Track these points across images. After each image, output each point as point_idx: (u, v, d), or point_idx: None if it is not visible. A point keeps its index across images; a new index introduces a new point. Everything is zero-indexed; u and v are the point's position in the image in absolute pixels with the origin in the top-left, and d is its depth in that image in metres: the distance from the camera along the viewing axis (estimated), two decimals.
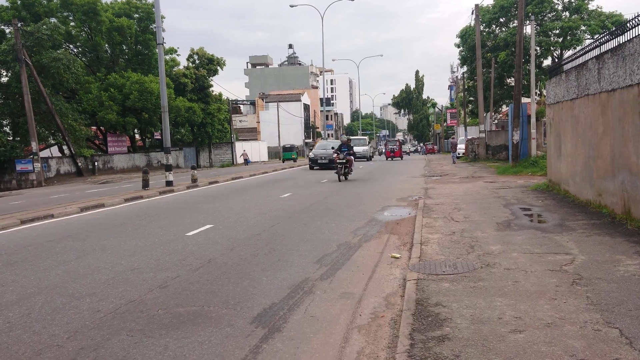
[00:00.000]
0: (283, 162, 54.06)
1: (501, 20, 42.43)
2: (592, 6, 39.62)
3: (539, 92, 37.69)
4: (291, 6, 56.41)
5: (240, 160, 57.76)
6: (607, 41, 9.75)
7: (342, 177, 22.09)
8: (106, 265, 7.64)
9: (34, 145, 31.79)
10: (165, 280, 6.68)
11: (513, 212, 10.89)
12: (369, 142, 52.01)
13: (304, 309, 5.48)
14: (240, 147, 60.90)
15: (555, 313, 4.73)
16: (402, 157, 51.58)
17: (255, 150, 65.75)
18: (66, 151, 39.18)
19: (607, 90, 9.58)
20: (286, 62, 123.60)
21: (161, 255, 8.21)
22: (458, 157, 42.88)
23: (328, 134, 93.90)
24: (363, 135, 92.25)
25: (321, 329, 4.93)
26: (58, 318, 5.39)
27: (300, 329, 4.95)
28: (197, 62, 53.45)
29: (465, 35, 43.10)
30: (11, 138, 36.77)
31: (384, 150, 73.15)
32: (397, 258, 7.70)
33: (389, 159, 50.22)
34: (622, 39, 8.94)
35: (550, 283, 5.65)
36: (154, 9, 29.93)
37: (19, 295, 6.29)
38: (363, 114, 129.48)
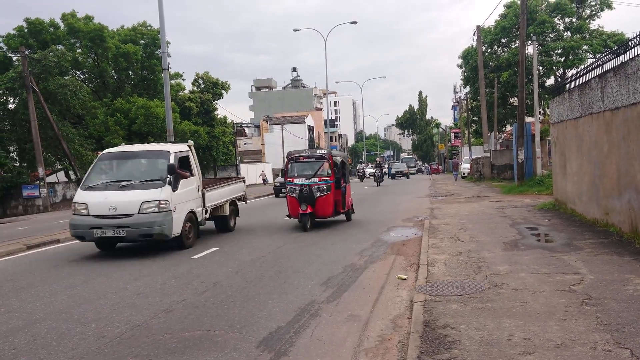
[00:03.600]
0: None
1: (503, 40, 42.68)
2: (593, 26, 39.84)
3: (542, 111, 37.70)
4: (295, 30, 57.61)
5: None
6: (610, 60, 9.79)
7: None
8: (112, 290, 7.61)
9: (41, 171, 31.93)
10: (170, 305, 6.65)
11: (520, 231, 10.83)
12: None
13: (310, 332, 5.43)
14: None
15: (565, 334, 4.67)
16: (349, 214, 15.59)
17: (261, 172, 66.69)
18: (72, 176, 39.29)
19: (610, 108, 9.59)
20: (290, 85, 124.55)
21: (166, 279, 8.18)
22: (463, 177, 42.95)
23: None
24: (368, 154, 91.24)
25: (328, 353, 4.88)
26: (64, 344, 5.36)
27: (307, 352, 4.90)
28: (202, 86, 53.95)
29: (468, 56, 43.35)
30: (18, 164, 36.99)
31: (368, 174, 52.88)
32: (404, 279, 7.65)
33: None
34: (624, 57, 8.98)
35: (559, 303, 5.59)
36: (159, 35, 30.33)
37: (24, 321, 6.26)
38: (367, 135, 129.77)
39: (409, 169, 59.86)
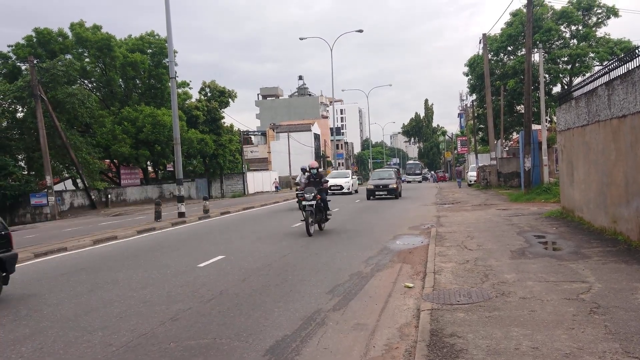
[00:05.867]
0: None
1: (509, 48, 42.67)
2: (600, 33, 39.75)
3: (549, 119, 37.59)
4: (301, 39, 58.09)
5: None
6: (616, 67, 9.77)
7: None
8: (118, 298, 7.63)
9: (49, 179, 32.14)
10: (177, 313, 6.66)
11: (527, 239, 10.78)
12: None
13: (316, 341, 5.42)
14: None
15: (573, 343, 4.64)
16: None
17: (267, 180, 66.86)
18: (80, 184, 39.54)
19: (618, 116, 9.56)
20: (296, 93, 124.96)
21: (173, 287, 8.19)
22: (470, 185, 42.96)
23: (339, 163, 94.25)
24: (374, 162, 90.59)
25: None
26: (70, 352, 5.37)
27: None
28: (209, 94, 54.17)
29: (474, 64, 43.36)
30: (26, 172, 37.23)
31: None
32: (411, 288, 7.62)
33: None
34: (631, 65, 8.96)
35: (567, 312, 5.55)
36: (166, 44, 30.53)
37: (32, 329, 6.28)
38: (373, 143, 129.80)
39: (399, 181, 32.45)
